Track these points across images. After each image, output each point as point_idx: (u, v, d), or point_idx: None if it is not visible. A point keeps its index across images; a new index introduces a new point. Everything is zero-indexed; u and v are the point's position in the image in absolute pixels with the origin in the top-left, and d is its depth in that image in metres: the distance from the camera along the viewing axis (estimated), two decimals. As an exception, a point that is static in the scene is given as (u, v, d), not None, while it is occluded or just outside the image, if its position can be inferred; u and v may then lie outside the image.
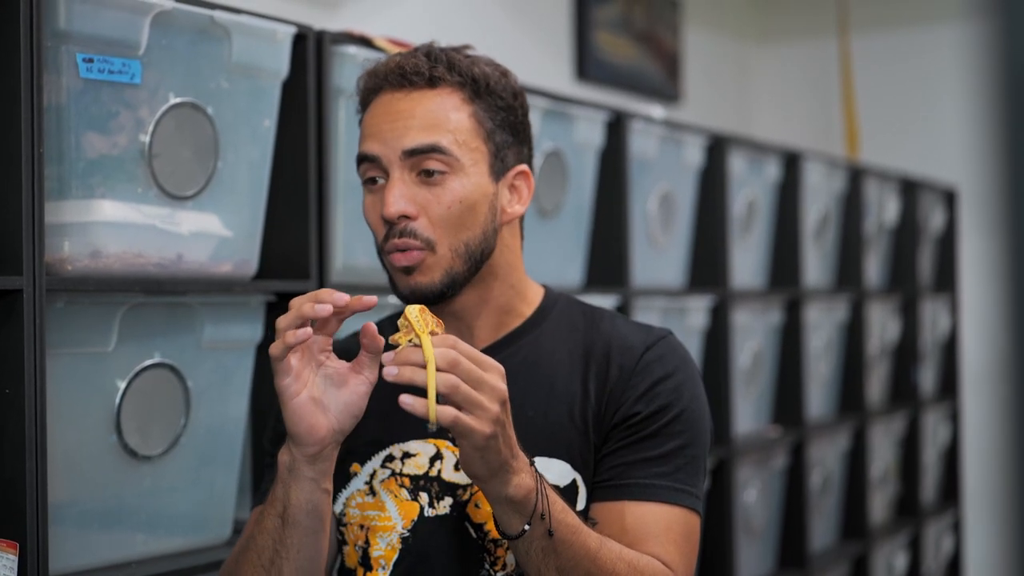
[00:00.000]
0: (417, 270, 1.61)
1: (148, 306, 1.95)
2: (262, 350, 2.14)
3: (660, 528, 1.58)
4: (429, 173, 1.60)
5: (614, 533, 1.57)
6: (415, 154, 1.60)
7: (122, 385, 1.92)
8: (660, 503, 1.59)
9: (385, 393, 1.49)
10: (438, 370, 1.37)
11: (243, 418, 2.13)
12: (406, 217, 1.60)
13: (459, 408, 1.38)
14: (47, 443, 1.73)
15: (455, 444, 1.60)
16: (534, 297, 1.74)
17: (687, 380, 1.66)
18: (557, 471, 1.62)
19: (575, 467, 1.63)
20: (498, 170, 1.66)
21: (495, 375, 1.41)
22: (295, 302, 1.47)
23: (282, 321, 1.46)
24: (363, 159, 1.64)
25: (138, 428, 1.94)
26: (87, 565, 1.88)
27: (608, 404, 1.63)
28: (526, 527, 1.44)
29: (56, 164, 1.82)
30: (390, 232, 1.61)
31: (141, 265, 1.91)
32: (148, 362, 1.95)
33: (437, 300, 1.63)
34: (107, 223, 1.87)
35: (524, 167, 1.71)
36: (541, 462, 1.62)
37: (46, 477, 1.72)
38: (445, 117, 1.61)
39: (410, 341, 1.40)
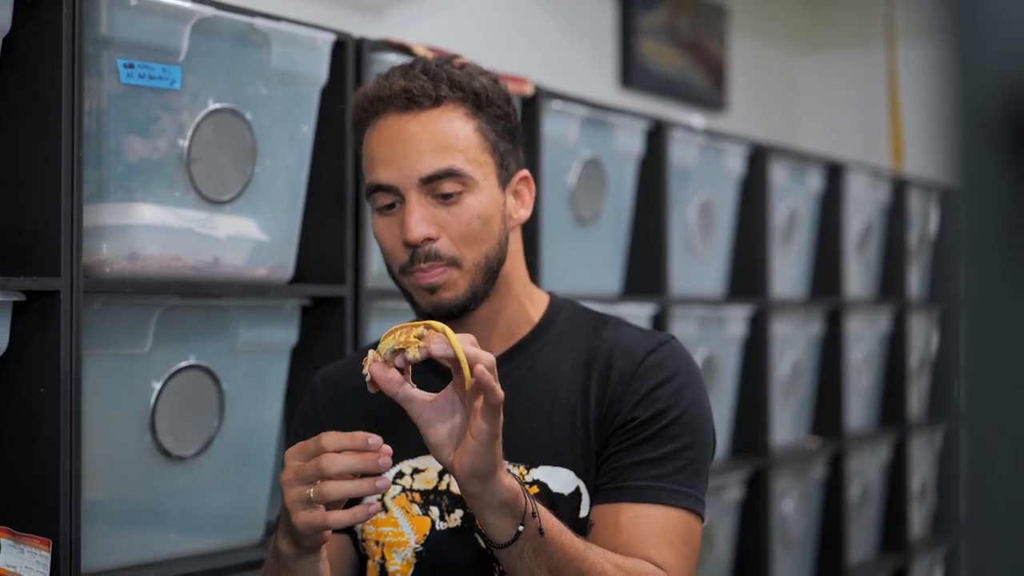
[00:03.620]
0: (442, 287, 1.62)
1: (184, 308, 1.98)
2: (297, 353, 2.17)
3: (655, 530, 1.57)
4: (446, 195, 1.61)
5: (609, 534, 1.57)
6: (432, 179, 1.60)
7: (157, 386, 1.94)
8: (657, 505, 1.58)
9: (392, 411, 1.50)
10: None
11: (276, 421, 2.15)
12: (429, 239, 1.61)
13: None
14: (82, 442, 1.76)
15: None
16: (540, 303, 1.75)
17: (688, 383, 1.65)
18: (562, 480, 1.62)
19: (578, 475, 1.63)
20: (504, 179, 1.68)
21: None
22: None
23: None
24: (377, 188, 1.64)
25: (172, 429, 1.97)
26: (119, 563, 1.91)
27: (608, 410, 1.63)
28: (520, 528, 1.44)
29: (96, 167, 1.85)
30: (414, 256, 1.61)
31: (178, 268, 1.94)
32: (183, 364, 1.98)
33: (460, 314, 1.64)
34: (145, 226, 1.90)
35: (525, 172, 1.72)
36: (545, 471, 1.63)
37: (80, 475, 1.75)
38: (454, 137, 1.62)
39: (418, 337, 1.40)
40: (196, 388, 2.01)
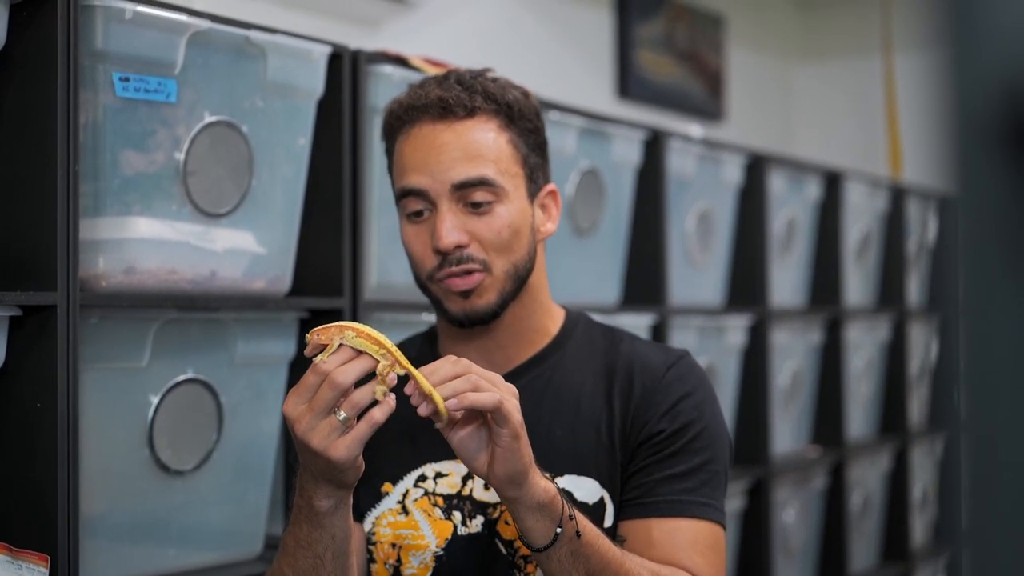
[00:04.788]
0: (474, 293, 1.64)
1: (182, 322, 1.97)
2: (295, 367, 2.16)
3: (687, 541, 1.62)
4: (477, 204, 1.63)
5: (642, 548, 1.61)
6: (464, 187, 1.62)
7: (155, 400, 1.94)
8: (686, 518, 1.63)
9: (414, 414, 1.51)
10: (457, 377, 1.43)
11: (275, 434, 2.14)
12: (460, 247, 1.63)
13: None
14: (80, 457, 1.76)
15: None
16: (558, 316, 1.78)
17: (707, 398, 1.70)
18: (586, 489, 1.65)
19: (603, 485, 1.66)
20: (533, 192, 1.70)
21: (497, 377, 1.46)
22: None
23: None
24: (408, 192, 1.65)
25: (171, 443, 1.96)
26: (118, 578, 1.90)
27: (634, 422, 1.66)
28: (557, 531, 1.47)
29: (92, 181, 1.85)
30: (444, 262, 1.63)
31: (175, 282, 1.93)
32: (181, 378, 1.97)
33: (489, 320, 1.67)
34: (142, 240, 1.89)
35: (553, 186, 1.75)
36: (570, 480, 1.65)
37: (78, 491, 1.74)
38: (487, 147, 1.64)
39: (397, 374, 1.42)
40: (194, 402, 2.00)
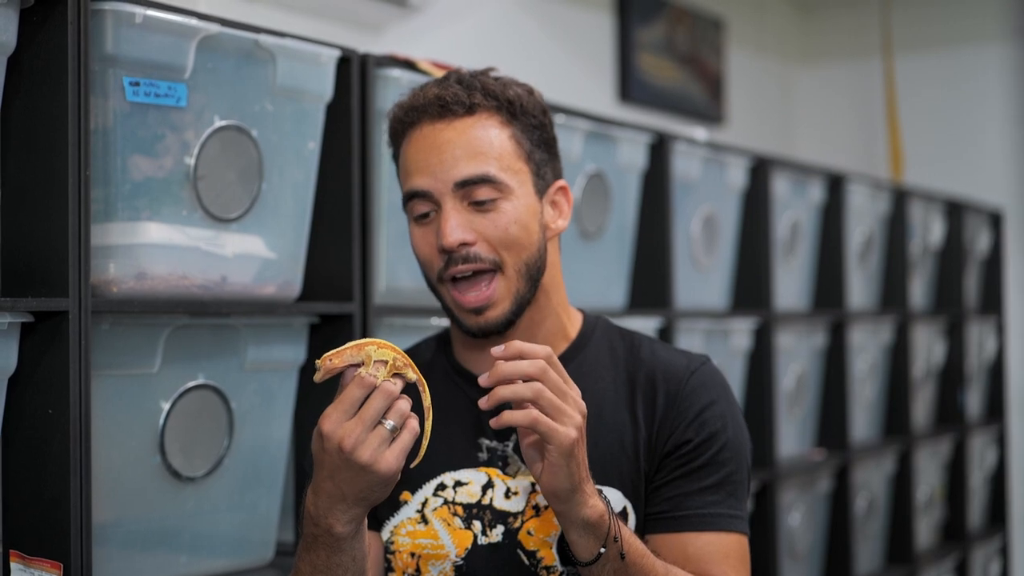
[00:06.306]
0: (489, 307, 1.63)
1: (192, 328, 1.96)
2: (305, 371, 2.15)
3: (720, 555, 1.62)
4: (481, 202, 1.62)
5: (676, 563, 1.61)
6: (466, 184, 1.61)
7: (166, 406, 1.93)
8: (717, 531, 1.63)
9: (437, 420, 1.50)
10: (528, 380, 1.43)
11: (286, 439, 2.13)
12: (465, 244, 1.61)
13: (544, 413, 1.43)
14: (91, 464, 1.74)
15: (520, 462, 1.66)
16: (575, 319, 1.77)
17: (730, 406, 1.70)
18: (610, 499, 1.62)
19: (626, 495, 1.65)
20: (540, 188, 1.68)
21: (576, 391, 1.47)
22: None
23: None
24: (413, 195, 1.65)
25: (182, 449, 1.95)
26: (130, 586, 1.89)
27: (659, 432, 1.66)
28: (601, 550, 1.47)
29: (103, 186, 1.84)
30: (450, 260, 1.62)
31: (186, 287, 1.93)
32: (192, 383, 1.96)
33: (505, 328, 1.65)
34: (152, 245, 1.88)
35: (563, 182, 1.73)
36: None
37: (90, 498, 1.73)
38: (488, 144, 1.63)
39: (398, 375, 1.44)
40: (205, 408, 1.99)
